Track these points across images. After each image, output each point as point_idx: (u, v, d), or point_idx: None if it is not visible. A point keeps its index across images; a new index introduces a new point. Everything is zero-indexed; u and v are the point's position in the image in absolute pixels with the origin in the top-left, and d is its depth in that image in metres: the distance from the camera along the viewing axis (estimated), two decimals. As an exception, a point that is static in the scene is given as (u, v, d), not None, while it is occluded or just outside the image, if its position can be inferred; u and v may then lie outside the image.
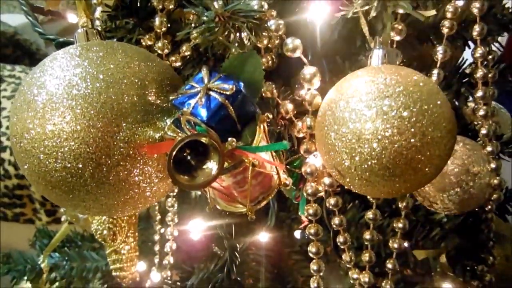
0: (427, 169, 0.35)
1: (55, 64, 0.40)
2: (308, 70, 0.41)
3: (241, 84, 0.37)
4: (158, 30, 0.52)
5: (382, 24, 0.40)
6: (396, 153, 0.33)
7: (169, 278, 0.67)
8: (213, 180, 0.37)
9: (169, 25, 0.54)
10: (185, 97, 0.38)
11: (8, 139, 1.60)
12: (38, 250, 0.87)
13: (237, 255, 0.61)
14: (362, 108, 0.34)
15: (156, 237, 0.71)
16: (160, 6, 0.51)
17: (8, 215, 1.58)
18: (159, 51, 0.53)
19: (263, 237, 0.67)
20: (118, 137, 0.39)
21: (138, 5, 0.52)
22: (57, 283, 0.77)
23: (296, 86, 0.44)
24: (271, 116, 0.40)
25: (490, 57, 0.61)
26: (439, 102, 0.34)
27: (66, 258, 0.81)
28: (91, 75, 0.39)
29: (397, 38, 0.43)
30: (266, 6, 0.42)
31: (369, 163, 0.34)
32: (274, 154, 0.47)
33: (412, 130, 0.33)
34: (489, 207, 0.60)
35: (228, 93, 0.36)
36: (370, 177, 0.35)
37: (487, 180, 0.57)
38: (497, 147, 0.60)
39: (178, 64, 0.54)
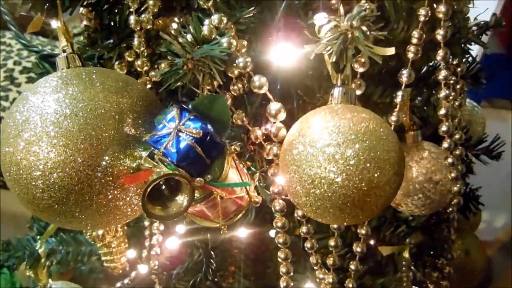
0: (373, 207, 0.39)
1: (37, 98, 0.43)
2: (274, 106, 0.44)
3: (209, 126, 0.40)
4: (137, 50, 0.54)
5: (344, 62, 0.43)
6: (345, 196, 0.37)
7: (156, 267, 0.73)
8: (184, 211, 0.41)
9: (149, 39, 0.56)
10: (158, 137, 0.41)
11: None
12: (36, 233, 0.93)
13: (213, 262, 0.66)
14: (317, 153, 0.38)
15: (146, 223, 0.77)
16: (138, 27, 0.52)
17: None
18: (139, 69, 0.55)
19: (243, 232, 0.72)
20: (98, 169, 0.42)
21: (118, 25, 0.53)
22: (54, 268, 0.83)
23: (263, 118, 0.47)
24: (238, 149, 0.43)
25: (459, 69, 0.64)
26: (387, 149, 0.38)
27: (62, 243, 0.86)
28: (71, 111, 0.42)
29: (361, 70, 0.46)
30: (235, 43, 0.44)
31: (322, 202, 0.38)
32: (246, 171, 0.51)
33: (360, 176, 0.37)
34: (450, 209, 0.64)
35: (196, 136, 0.39)
36: (323, 213, 0.39)
37: (448, 187, 0.62)
38: (462, 153, 0.64)
39: (157, 79, 0.57)
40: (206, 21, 0.45)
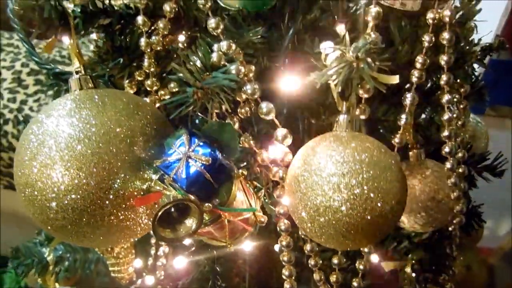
0: (376, 234, 0.40)
1: (52, 122, 0.45)
2: (281, 132, 0.45)
3: (217, 152, 0.41)
4: (147, 71, 0.55)
5: (349, 90, 0.44)
6: (349, 224, 0.39)
7: (162, 277, 0.74)
8: (193, 234, 0.43)
9: (158, 58, 0.57)
10: (168, 163, 0.42)
11: (10, 112, 1.64)
12: (44, 238, 0.95)
13: (219, 278, 0.68)
14: (322, 182, 0.39)
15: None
16: (148, 50, 0.54)
17: (14, 184, 1.65)
18: (148, 88, 0.56)
19: (248, 246, 0.73)
20: (110, 192, 0.44)
21: (128, 46, 0.55)
22: (61, 274, 0.85)
23: (270, 141, 0.48)
24: (246, 173, 0.44)
25: (462, 90, 0.65)
26: (390, 178, 0.39)
27: (70, 250, 0.88)
28: (84, 136, 0.44)
29: (365, 96, 0.47)
30: (243, 70, 0.45)
31: (326, 229, 0.40)
32: (252, 191, 0.53)
33: (364, 206, 0.38)
34: (452, 227, 0.65)
35: (205, 163, 0.41)
36: (327, 239, 0.41)
37: (451, 206, 0.63)
38: (465, 171, 0.65)
39: (167, 97, 0.58)
40: (215, 47, 0.46)
